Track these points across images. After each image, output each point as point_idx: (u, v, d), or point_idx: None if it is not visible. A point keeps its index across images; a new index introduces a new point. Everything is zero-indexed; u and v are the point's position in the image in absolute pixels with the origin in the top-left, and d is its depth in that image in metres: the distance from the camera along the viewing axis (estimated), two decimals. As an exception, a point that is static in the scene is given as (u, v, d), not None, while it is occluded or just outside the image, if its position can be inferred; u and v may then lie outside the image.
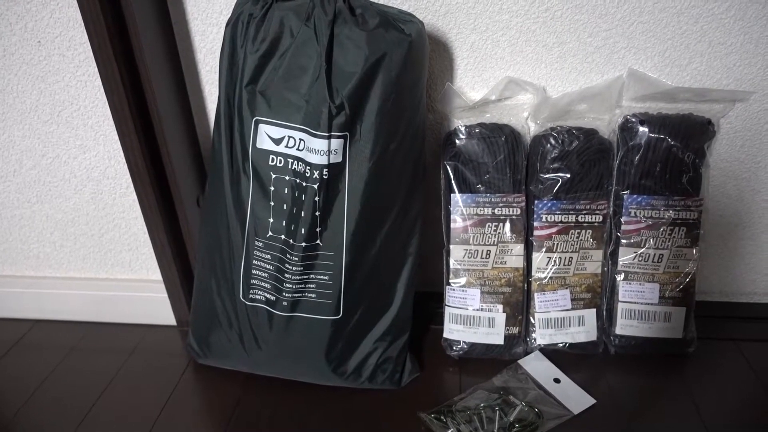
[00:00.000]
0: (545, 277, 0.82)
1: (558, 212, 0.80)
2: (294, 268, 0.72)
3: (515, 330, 0.82)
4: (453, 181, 0.79)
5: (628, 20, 0.74)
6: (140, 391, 0.82)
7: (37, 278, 0.99)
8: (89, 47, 0.71)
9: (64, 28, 0.77)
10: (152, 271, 0.96)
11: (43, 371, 0.87)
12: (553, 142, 0.77)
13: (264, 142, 0.69)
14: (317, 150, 0.67)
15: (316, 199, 0.69)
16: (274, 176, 0.70)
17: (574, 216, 0.80)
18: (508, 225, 0.80)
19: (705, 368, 0.82)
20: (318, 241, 0.71)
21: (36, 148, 0.87)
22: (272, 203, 0.71)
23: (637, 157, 0.77)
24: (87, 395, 0.82)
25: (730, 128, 0.80)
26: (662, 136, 0.76)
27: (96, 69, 0.74)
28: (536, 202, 0.80)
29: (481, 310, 0.82)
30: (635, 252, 0.80)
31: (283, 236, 0.71)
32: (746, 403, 0.77)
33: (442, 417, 0.74)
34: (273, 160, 0.69)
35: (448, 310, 0.83)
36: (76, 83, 0.81)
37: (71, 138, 0.85)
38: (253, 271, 0.74)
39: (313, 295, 0.74)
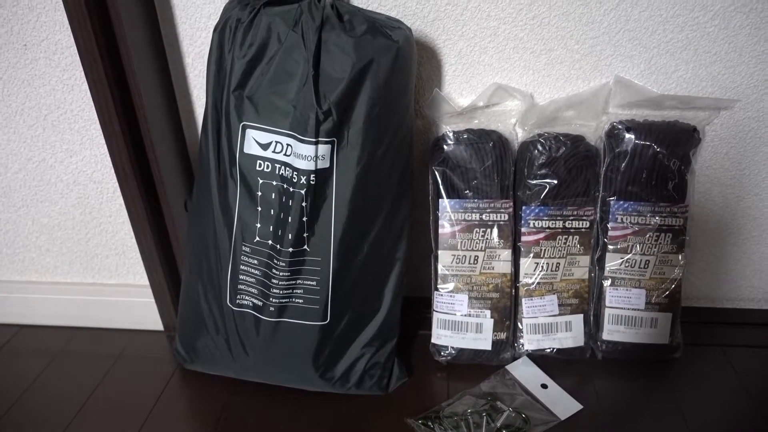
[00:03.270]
0: (533, 283, 0.82)
1: (545, 218, 0.80)
2: (281, 274, 0.72)
3: (503, 335, 0.82)
4: (441, 187, 0.80)
5: (615, 28, 0.74)
6: (126, 396, 0.82)
7: (23, 283, 0.98)
8: (75, 51, 0.71)
9: (50, 32, 0.76)
10: (139, 276, 0.96)
11: (29, 377, 0.86)
12: (540, 148, 0.78)
13: (251, 147, 0.69)
14: (304, 155, 0.67)
15: (304, 204, 0.69)
16: (261, 181, 0.70)
17: (561, 222, 0.80)
18: (495, 230, 0.80)
19: (691, 373, 0.83)
20: (305, 247, 0.71)
21: (22, 152, 0.86)
22: (259, 208, 0.71)
23: (624, 164, 0.77)
24: (73, 401, 0.81)
25: (715, 135, 0.81)
26: (648, 143, 0.76)
27: (82, 72, 0.73)
28: (524, 207, 0.80)
29: (469, 315, 0.82)
30: (622, 258, 0.81)
31: (270, 241, 0.71)
32: (731, 408, 0.77)
33: (430, 422, 0.74)
34: (260, 165, 0.69)
35: (436, 316, 0.83)
36: (63, 87, 0.80)
37: (57, 142, 0.85)
38: (240, 277, 0.74)
39: (301, 301, 0.73)
